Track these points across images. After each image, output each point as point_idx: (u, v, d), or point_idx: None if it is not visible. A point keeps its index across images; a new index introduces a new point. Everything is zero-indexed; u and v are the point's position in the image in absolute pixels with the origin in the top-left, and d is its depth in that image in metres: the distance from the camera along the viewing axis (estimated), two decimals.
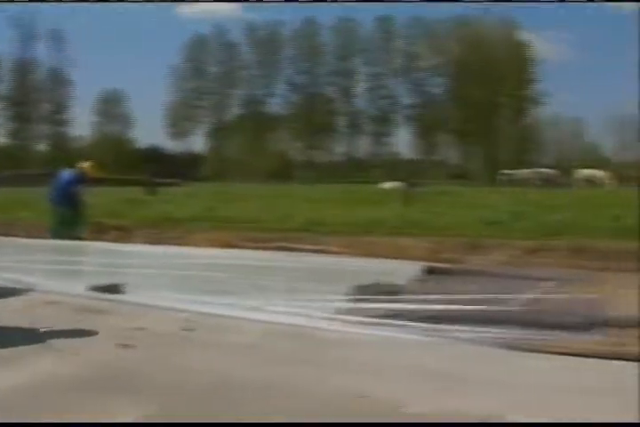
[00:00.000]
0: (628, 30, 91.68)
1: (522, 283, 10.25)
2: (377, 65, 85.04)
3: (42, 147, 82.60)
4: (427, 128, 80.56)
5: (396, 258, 12.86)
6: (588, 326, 7.68)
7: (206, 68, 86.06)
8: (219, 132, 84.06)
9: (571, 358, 6.44)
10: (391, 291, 9.49)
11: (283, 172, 71.95)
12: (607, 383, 5.75)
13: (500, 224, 16.31)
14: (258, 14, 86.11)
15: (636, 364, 6.20)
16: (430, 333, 7.38)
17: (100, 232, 16.56)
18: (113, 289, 9.61)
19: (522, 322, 7.75)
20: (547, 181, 50.23)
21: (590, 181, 48.21)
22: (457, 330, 7.41)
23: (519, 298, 8.90)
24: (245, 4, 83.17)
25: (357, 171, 75.15)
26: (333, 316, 8.22)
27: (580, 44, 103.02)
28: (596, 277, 11.14)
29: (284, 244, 14.37)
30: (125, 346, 6.73)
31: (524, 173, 54.14)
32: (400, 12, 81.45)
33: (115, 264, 11.94)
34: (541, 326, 7.61)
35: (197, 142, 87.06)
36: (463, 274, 11.45)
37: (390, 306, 8.54)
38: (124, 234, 16.84)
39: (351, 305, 8.77)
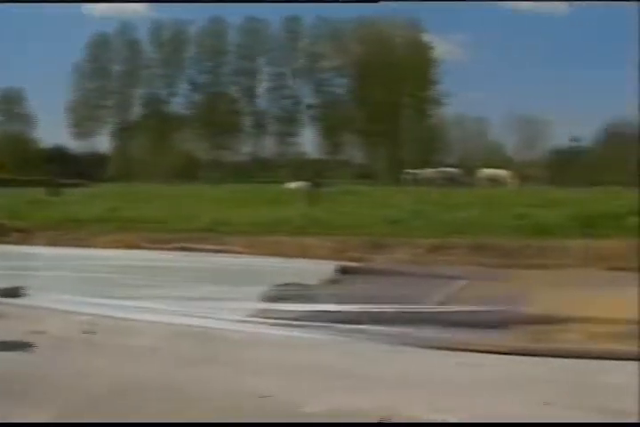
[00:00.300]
0: (528, 30, 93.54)
1: (435, 281, 10.34)
2: (281, 65, 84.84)
3: None
4: (331, 128, 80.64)
5: (300, 257, 12.91)
6: (501, 323, 7.78)
7: (110, 68, 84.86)
8: (123, 131, 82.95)
9: (480, 354, 6.53)
10: (304, 291, 9.50)
11: (188, 172, 71.29)
12: (512, 379, 5.84)
13: (403, 223, 16.45)
14: (164, 13, 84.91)
15: (541, 359, 6.33)
16: (343, 332, 7.41)
17: (1, 234, 16.27)
18: (13, 292, 9.46)
19: (436, 320, 7.82)
20: (451, 181, 50.76)
21: (493, 180, 48.92)
22: (371, 329, 7.45)
23: (433, 297, 8.99)
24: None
25: (263, 171, 74.91)
26: (236, 316, 8.22)
27: (482, 45, 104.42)
28: (506, 275, 11.31)
29: (188, 244, 14.31)
30: (25, 350, 6.62)
31: (429, 172, 54.62)
32: (306, 11, 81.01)
33: (16, 267, 11.75)
34: (455, 324, 7.69)
35: (102, 142, 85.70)
36: (376, 273, 11.52)
37: (303, 306, 8.56)
38: (26, 236, 16.56)
39: (258, 306, 8.77)
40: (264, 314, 8.32)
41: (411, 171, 55.68)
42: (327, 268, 11.70)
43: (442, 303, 8.85)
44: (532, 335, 7.30)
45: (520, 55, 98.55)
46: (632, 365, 6.02)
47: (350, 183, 47.77)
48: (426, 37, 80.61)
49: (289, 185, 40.40)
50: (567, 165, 67.79)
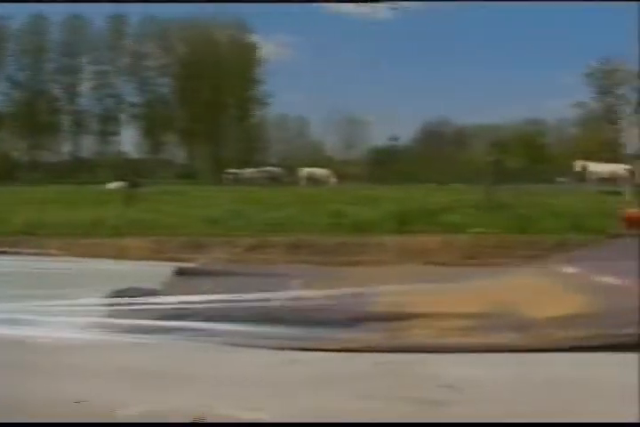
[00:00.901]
0: (351, 32, 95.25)
1: (273, 280, 10.32)
2: (105, 63, 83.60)
3: None
4: (154, 127, 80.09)
5: (119, 259, 12.74)
6: (347, 321, 7.79)
7: None
8: None
9: (315, 352, 6.57)
10: (145, 294, 9.34)
11: (4, 172, 69.35)
12: (337, 375, 5.93)
13: (223, 222, 16.50)
14: None
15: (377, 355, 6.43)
16: (184, 333, 7.34)
17: None
18: None
19: (282, 319, 7.79)
20: (272, 180, 51.29)
21: (314, 179, 49.69)
22: (213, 329, 7.39)
23: (278, 295, 8.96)
24: None
25: (83, 171, 73.62)
26: (67, 323, 8.04)
27: (306, 46, 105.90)
28: (340, 273, 11.39)
29: (1, 248, 13.90)
30: None
31: (250, 171, 55.07)
32: (132, 10, 79.79)
33: None
34: (303, 322, 7.67)
35: None
36: (214, 274, 11.39)
37: (143, 310, 8.43)
38: None
39: (95, 311, 8.60)
40: (102, 319, 8.15)
41: (232, 170, 55.87)
42: (157, 269, 11.52)
43: (288, 301, 8.84)
44: (383, 332, 7.35)
45: (342, 56, 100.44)
46: (468, 356, 6.23)
47: (172, 183, 47.57)
48: (251, 38, 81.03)
49: (109, 185, 39.88)
50: (386, 164, 69.35)
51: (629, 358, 5.97)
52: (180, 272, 11.26)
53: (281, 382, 5.75)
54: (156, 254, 13.40)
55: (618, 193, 34.47)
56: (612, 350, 6.25)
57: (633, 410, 4.63)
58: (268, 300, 8.74)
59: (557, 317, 7.26)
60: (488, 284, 9.56)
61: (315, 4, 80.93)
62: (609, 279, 8.83)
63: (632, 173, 46.17)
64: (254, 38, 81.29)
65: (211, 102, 76.48)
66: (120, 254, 13.29)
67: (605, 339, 6.47)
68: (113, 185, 38.89)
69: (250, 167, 57.11)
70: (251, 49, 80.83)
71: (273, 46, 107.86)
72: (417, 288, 9.34)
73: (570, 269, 10.25)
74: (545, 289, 9.02)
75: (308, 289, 9.57)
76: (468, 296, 8.61)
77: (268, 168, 56.90)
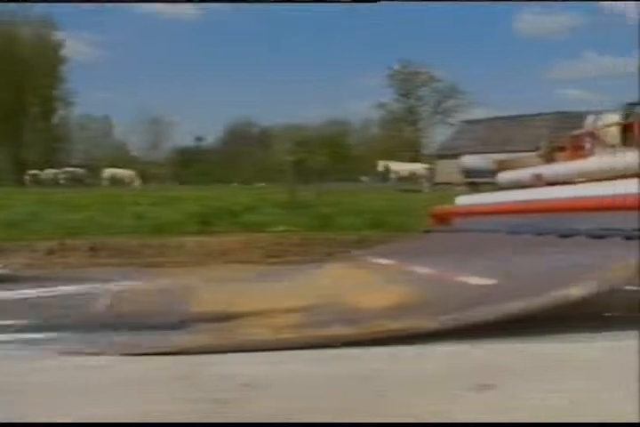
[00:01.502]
0: (160, 32, 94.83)
1: (91, 286, 10.10)
2: None
3: None
4: None
5: None
6: (171, 323, 7.65)
7: None
8: None
9: (141, 357, 6.49)
10: None
11: None
12: (155, 378, 5.93)
13: (21, 226, 16.14)
14: None
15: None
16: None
17: None
18: None
19: (106, 325, 7.61)
20: (75, 181, 50.41)
21: (117, 180, 49.28)
22: (28, 338, 7.20)
23: (98, 301, 8.79)
24: None
25: None
26: None
27: (113, 45, 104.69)
28: (157, 275, 11.27)
29: None
30: None
31: (52, 172, 53.90)
32: None
33: None
34: (129, 327, 7.49)
35: None
36: (22, 281, 11.03)
37: None
38: None
39: None
40: None
41: (33, 172, 54.59)
42: None
43: (110, 307, 8.67)
44: (212, 333, 7.24)
45: (151, 56, 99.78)
46: (279, 354, 6.28)
47: None
48: (56, 35, 79.08)
49: None
50: (191, 164, 69.30)
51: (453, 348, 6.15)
52: None
53: (86, 387, 5.71)
54: None
55: (417, 191, 35.85)
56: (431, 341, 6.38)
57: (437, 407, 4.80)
58: (85, 306, 8.61)
59: (382, 307, 7.39)
60: (309, 279, 9.72)
61: (124, 4, 79.86)
62: (422, 269, 9.14)
63: (430, 171, 48.13)
64: (59, 36, 79.46)
65: (11, 101, 74.29)
66: None
67: (429, 327, 6.60)
68: None
69: (52, 168, 55.91)
70: (55, 47, 78.90)
71: (80, 45, 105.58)
72: (239, 287, 9.39)
73: (384, 261, 10.60)
74: (365, 280, 9.25)
75: (125, 293, 9.49)
76: (292, 292, 8.69)
77: (71, 169, 55.83)
